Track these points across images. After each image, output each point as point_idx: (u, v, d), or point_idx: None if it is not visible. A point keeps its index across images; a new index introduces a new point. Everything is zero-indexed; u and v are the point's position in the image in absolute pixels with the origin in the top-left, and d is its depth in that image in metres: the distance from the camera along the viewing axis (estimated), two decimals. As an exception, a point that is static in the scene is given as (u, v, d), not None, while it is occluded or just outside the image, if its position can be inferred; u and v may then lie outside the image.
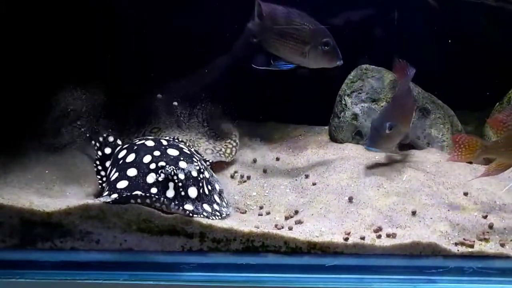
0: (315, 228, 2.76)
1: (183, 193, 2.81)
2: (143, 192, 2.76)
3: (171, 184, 2.81)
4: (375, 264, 2.63)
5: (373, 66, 3.92)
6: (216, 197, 2.98)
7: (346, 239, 2.66)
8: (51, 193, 3.07)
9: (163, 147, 3.05)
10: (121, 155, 3.08)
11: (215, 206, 2.89)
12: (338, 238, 2.67)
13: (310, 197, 3.11)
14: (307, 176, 3.35)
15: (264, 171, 3.51)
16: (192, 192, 2.84)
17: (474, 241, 2.69)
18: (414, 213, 2.86)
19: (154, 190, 2.80)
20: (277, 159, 3.65)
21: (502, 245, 2.70)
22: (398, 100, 3.42)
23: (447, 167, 3.41)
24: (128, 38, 4.04)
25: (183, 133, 3.69)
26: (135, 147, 3.07)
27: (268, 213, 3.03)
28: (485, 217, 2.91)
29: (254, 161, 3.66)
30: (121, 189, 2.82)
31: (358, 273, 2.61)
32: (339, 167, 3.38)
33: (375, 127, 3.26)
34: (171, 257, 2.64)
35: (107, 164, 3.18)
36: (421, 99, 3.86)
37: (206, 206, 2.83)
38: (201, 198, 2.85)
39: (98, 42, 3.84)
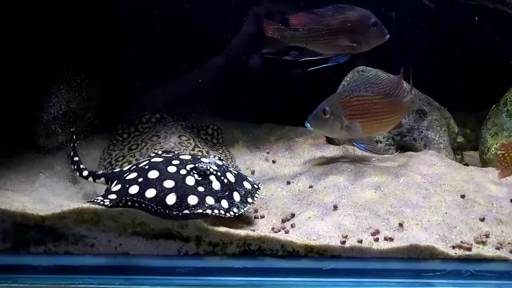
0: (312, 231, 2.74)
1: (226, 181, 2.84)
2: (198, 197, 2.72)
3: (212, 177, 2.82)
4: (373, 267, 2.62)
5: (370, 68, 3.91)
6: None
7: (344, 242, 2.65)
8: (44, 196, 3.03)
9: (175, 157, 2.98)
10: (131, 176, 2.86)
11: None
12: (335, 241, 2.65)
13: (307, 200, 3.09)
14: (303, 179, 3.32)
15: (252, 172, 3.49)
16: (230, 176, 2.89)
17: (471, 244, 2.69)
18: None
19: (201, 189, 2.77)
20: (273, 161, 3.63)
21: (499, 248, 2.70)
22: (362, 95, 3.20)
23: (443, 169, 3.40)
24: (126, 38, 4.00)
25: (182, 144, 3.56)
26: (147, 167, 2.87)
27: (262, 217, 3.00)
28: (482, 219, 2.90)
29: (250, 163, 3.64)
30: (171, 205, 2.67)
31: (356, 276, 2.59)
32: (336, 169, 3.36)
33: (319, 105, 3.26)
34: (167, 261, 2.61)
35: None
36: (417, 101, 3.85)
37: (245, 183, 2.90)
38: (238, 178, 2.90)
39: (95, 42, 3.79)
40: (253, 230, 2.72)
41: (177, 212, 2.65)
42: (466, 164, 3.75)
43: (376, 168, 3.37)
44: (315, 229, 2.76)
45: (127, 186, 2.78)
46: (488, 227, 2.84)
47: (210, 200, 2.72)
